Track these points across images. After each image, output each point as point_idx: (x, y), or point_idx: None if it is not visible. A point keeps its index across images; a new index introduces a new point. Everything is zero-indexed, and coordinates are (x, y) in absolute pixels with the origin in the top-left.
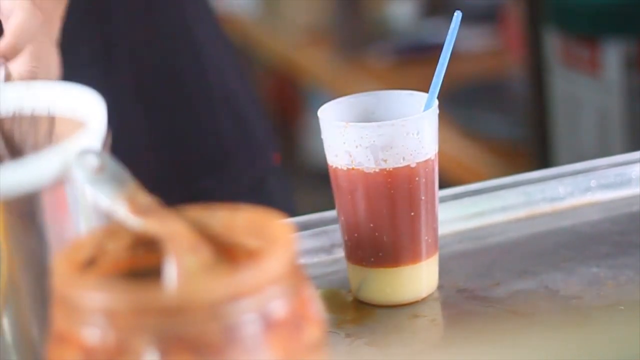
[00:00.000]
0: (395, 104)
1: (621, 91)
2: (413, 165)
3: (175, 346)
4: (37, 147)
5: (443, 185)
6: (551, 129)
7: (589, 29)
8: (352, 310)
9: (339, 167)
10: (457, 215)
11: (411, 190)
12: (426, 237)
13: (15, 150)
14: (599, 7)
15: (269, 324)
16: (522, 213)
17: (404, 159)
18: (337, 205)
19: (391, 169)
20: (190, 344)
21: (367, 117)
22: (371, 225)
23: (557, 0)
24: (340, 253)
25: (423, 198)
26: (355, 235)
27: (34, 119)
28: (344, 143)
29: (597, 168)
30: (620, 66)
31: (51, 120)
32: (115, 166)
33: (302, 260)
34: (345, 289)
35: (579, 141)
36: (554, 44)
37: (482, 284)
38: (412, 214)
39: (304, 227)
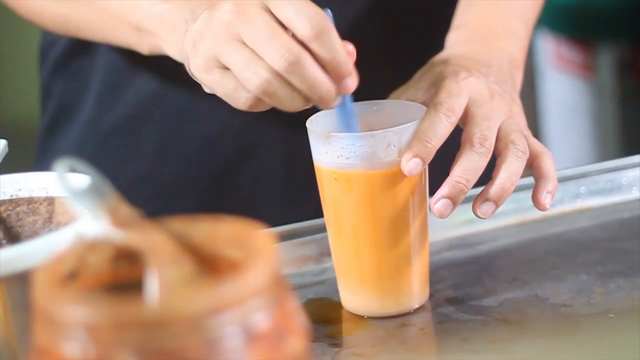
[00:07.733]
0: (392, 114)
1: (614, 95)
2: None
3: None
4: (35, 230)
5: (433, 191)
6: (544, 133)
7: (581, 32)
8: (341, 319)
9: (324, 175)
10: (447, 222)
11: (396, 195)
12: (418, 249)
13: (12, 234)
14: (592, 10)
15: (252, 337)
16: (512, 220)
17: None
18: (325, 215)
19: (375, 171)
20: (171, 358)
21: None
22: (359, 236)
23: (549, 3)
24: (328, 262)
25: (410, 207)
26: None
27: (32, 201)
28: (327, 153)
29: (587, 174)
30: (614, 69)
31: (50, 201)
32: (97, 178)
33: (291, 269)
34: (334, 299)
35: (573, 146)
36: (546, 47)
37: (472, 293)
38: (402, 220)
39: (292, 235)
